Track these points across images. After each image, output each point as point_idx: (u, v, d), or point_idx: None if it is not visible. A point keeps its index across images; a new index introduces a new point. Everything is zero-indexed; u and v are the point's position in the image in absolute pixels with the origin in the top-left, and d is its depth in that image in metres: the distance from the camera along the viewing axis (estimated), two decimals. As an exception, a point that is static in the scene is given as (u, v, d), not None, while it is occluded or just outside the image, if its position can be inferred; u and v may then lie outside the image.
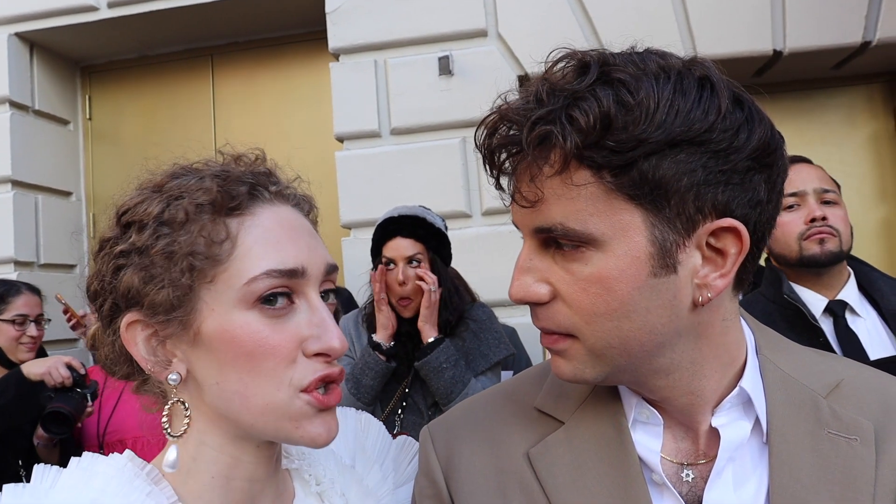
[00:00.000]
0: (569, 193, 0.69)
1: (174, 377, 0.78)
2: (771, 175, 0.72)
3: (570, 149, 0.67)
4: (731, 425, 0.79)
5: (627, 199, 0.68)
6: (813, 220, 1.96)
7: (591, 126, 0.66)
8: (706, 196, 0.69)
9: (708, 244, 0.72)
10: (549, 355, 0.81)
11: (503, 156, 0.74)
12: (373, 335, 2.34)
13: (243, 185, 0.80)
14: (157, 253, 0.75)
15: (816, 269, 1.99)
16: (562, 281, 0.73)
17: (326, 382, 0.78)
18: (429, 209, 2.49)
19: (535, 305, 0.76)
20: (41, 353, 2.95)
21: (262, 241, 0.77)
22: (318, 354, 0.77)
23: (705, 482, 0.78)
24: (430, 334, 2.30)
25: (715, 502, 0.77)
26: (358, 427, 1.04)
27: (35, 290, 2.94)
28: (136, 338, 0.78)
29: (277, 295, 0.76)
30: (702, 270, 0.72)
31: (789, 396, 0.80)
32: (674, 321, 0.72)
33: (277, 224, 0.80)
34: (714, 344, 0.77)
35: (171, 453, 0.77)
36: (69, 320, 3.35)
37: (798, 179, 2.02)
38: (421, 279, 2.29)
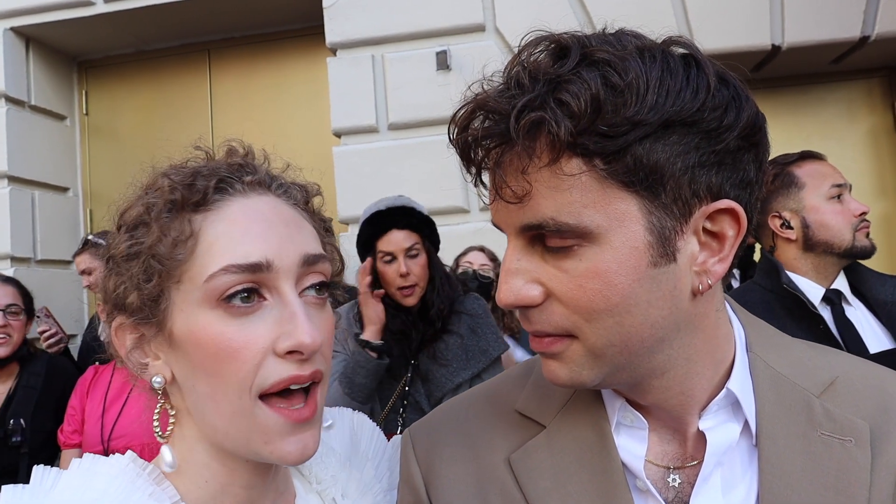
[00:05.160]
0: (560, 185, 0.64)
1: (158, 380, 0.76)
2: (758, 154, 0.69)
3: (564, 136, 0.62)
4: (719, 428, 0.75)
5: (622, 187, 0.64)
6: (863, 213, 2.02)
7: (583, 110, 0.61)
8: (701, 179, 0.65)
9: (704, 229, 0.68)
10: None
11: (483, 149, 0.68)
12: (358, 333, 2.24)
13: (211, 180, 0.76)
14: (122, 256, 0.75)
15: (863, 258, 2.05)
16: (554, 279, 0.68)
17: (296, 388, 0.74)
18: (410, 198, 2.41)
19: (526, 308, 0.71)
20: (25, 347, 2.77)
21: (226, 235, 0.73)
22: (290, 353, 0.72)
23: (692, 487, 0.74)
24: None
25: None
26: (353, 425, 1.02)
27: (8, 281, 2.76)
28: (124, 341, 0.78)
29: (246, 292, 0.72)
30: (700, 256, 0.69)
31: (780, 396, 0.76)
32: (674, 313, 0.69)
33: (244, 216, 0.75)
34: (708, 338, 0.74)
35: (165, 453, 0.76)
36: (47, 338, 3.10)
37: (837, 173, 2.06)
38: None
